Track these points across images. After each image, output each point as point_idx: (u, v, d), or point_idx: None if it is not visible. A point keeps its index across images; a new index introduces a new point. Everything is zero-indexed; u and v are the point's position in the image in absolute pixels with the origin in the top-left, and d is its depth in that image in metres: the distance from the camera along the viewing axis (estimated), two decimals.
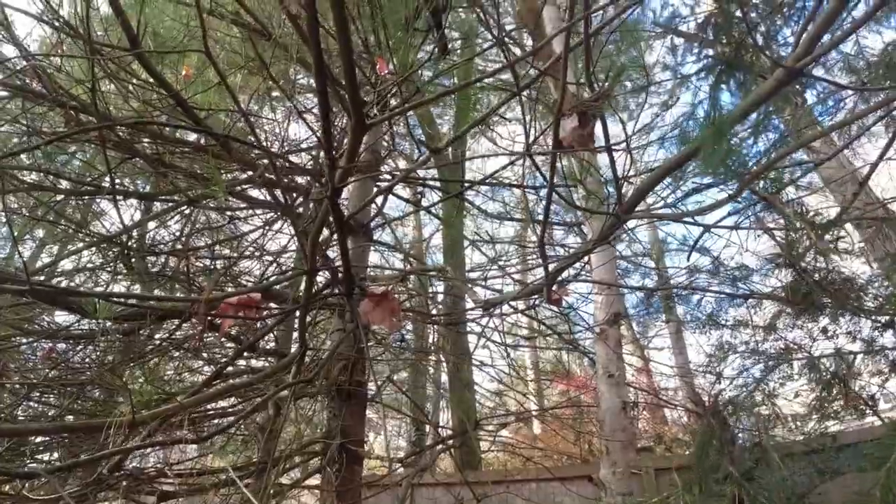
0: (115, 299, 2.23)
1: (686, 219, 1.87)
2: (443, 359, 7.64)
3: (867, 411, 3.82)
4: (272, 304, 2.99)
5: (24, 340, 3.66)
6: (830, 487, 3.59)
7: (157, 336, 3.52)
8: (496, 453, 10.02)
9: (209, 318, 2.20)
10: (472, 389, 7.87)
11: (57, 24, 2.60)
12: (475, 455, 7.09)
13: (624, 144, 1.86)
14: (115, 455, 1.88)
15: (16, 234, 3.57)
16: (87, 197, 4.08)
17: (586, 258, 4.31)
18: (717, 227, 1.84)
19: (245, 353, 3.65)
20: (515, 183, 6.36)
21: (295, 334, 4.70)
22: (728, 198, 1.75)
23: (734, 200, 1.78)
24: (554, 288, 2.23)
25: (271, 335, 4.72)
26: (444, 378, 8.57)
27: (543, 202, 1.81)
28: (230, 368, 3.18)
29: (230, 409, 3.62)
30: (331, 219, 2.11)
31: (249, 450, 4.10)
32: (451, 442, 4.05)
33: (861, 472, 3.68)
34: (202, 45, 1.91)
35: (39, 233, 4.84)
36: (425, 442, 7.48)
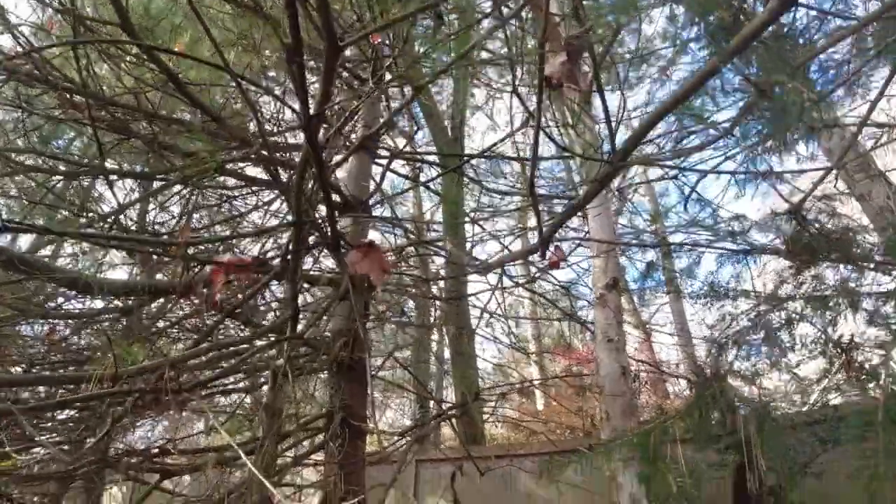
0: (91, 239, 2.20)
1: (683, 165, 1.82)
2: (445, 334, 7.67)
3: (869, 383, 3.81)
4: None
5: (24, 321, 3.66)
6: (833, 458, 3.61)
7: (156, 313, 3.51)
8: (500, 429, 10.11)
9: (207, 295, 2.19)
10: (474, 364, 7.91)
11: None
12: (478, 429, 7.15)
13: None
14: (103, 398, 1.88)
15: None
16: (83, 178, 4.06)
17: (585, 225, 4.27)
18: (717, 172, 1.79)
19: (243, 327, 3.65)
20: (513, 156, 6.31)
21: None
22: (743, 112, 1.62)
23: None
24: (550, 250, 2.19)
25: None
26: (447, 354, 8.61)
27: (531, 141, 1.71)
28: (226, 340, 3.18)
29: (229, 384, 3.64)
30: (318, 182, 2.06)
31: (252, 429, 4.13)
32: (451, 412, 4.06)
33: (858, 443, 3.71)
34: (194, 22, 1.86)
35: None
36: (428, 416, 7.54)
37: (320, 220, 2.55)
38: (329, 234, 2.40)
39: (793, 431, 3.60)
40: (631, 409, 3.86)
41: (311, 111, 1.68)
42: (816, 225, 3.00)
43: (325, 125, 4.95)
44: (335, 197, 3.90)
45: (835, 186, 3.20)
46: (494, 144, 4.50)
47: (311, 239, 2.88)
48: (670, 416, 3.20)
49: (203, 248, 3.46)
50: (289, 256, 2.35)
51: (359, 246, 2.31)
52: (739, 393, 4.23)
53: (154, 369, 1.96)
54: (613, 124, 1.56)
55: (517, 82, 1.76)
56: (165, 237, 3.48)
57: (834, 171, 2.91)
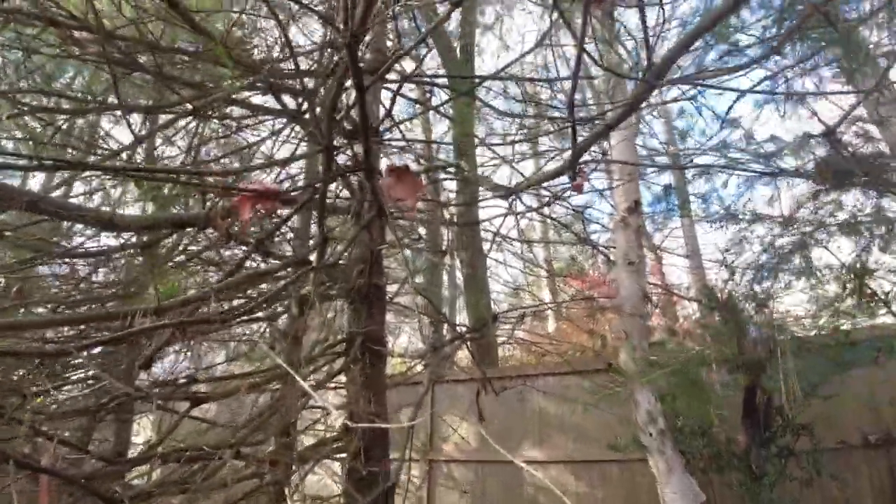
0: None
1: (721, 83, 1.74)
2: (458, 259, 7.74)
3: (880, 309, 3.83)
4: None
5: (45, 262, 3.72)
6: (841, 381, 3.69)
7: (172, 247, 3.55)
8: (512, 350, 10.38)
9: (227, 225, 2.20)
10: (487, 289, 8.02)
11: None
12: (493, 350, 7.34)
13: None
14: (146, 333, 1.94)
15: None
16: (90, 116, 4.00)
17: (606, 146, 4.19)
18: (758, 92, 1.72)
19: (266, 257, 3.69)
20: (529, 77, 6.12)
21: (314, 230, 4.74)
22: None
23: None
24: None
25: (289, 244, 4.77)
26: (460, 278, 8.71)
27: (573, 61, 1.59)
28: (256, 270, 3.24)
29: (255, 309, 3.72)
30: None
31: (275, 356, 4.26)
32: (469, 335, 4.15)
33: (873, 366, 3.77)
34: None
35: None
36: (445, 339, 7.74)
37: (351, 146, 2.51)
38: (363, 160, 2.37)
39: (805, 354, 3.67)
40: (648, 329, 3.92)
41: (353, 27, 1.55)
42: (849, 149, 2.92)
43: (332, 48, 4.80)
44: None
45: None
46: (508, 65, 4.36)
47: (342, 165, 2.85)
48: (706, 347, 3.26)
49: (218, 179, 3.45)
50: (318, 184, 2.34)
51: (393, 170, 2.29)
52: (751, 317, 4.29)
53: (197, 300, 2.00)
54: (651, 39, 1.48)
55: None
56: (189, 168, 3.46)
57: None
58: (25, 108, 3.32)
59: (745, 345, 3.82)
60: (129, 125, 2.69)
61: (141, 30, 2.95)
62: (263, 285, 3.65)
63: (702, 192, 3.96)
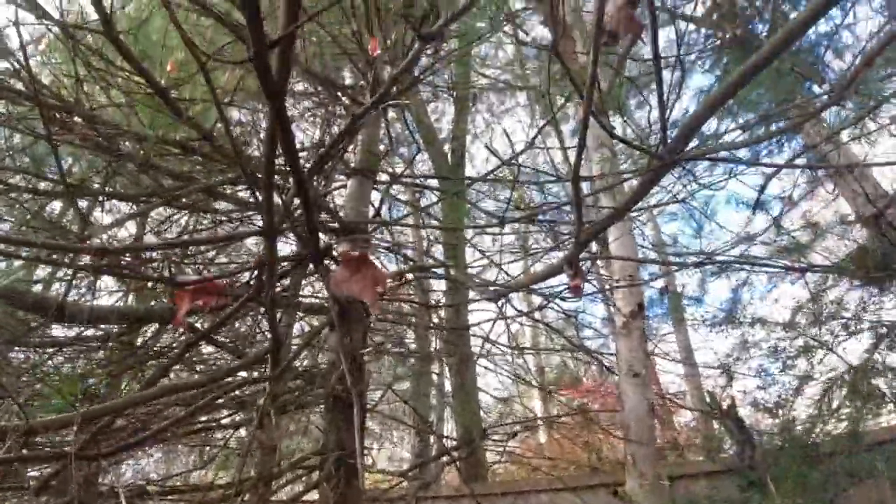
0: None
1: (746, 156, 1.59)
2: (446, 365, 7.44)
3: (884, 409, 3.63)
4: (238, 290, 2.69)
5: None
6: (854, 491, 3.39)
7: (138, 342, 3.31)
8: (503, 464, 9.78)
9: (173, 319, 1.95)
10: (476, 397, 7.65)
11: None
12: (482, 466, 6.86)
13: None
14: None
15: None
16: (71, 199, 3.89)
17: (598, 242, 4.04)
18: (793, 167, 1.59)
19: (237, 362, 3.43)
20: (520, 179, 6.17)
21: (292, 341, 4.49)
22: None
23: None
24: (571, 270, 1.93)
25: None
26: (448, 386, 8.35)
27: (579, 126, 1.37)
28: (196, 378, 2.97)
29: (221, 418, 3.42)
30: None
31: (242, 466, 3.90)
32: (456, 454, 3.81)
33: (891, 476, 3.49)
34: (182, 38, 1.69)
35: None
36: (429, 453, 7.27)
37: (297, 227, 2.16)
38: (310, 243, 1.96)
39: (816, 463, 3.39)
40: (657, 452, 3.59)
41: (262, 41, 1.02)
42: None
43: (321, 147, 4.82)
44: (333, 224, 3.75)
45: None
46: (496, 168, 4.37)
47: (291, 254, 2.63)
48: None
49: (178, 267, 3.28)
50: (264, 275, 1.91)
51: (346, 260, 1.88)
52: (756, 426, 4.02)
53: (115, 413, 1.74)
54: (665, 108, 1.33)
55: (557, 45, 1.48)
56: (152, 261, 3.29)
57: None
58: (10, 187, 3.20)
59: (754, 458, 3.55)
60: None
61: (128, 117, 2.90)
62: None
63: (699, 294, 3.80)
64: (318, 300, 3.79)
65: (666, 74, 1.30)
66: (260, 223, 4.53)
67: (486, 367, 5.85)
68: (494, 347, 5.73)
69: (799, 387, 3.62)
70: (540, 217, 4.08)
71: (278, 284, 3.31)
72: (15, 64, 2.62)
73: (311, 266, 2.87)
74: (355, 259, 1.87)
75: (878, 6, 3.62)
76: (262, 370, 2.87)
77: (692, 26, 4.08)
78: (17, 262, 2.97)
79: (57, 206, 4.28)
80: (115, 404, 1.77)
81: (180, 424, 2.16)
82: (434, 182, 5.94)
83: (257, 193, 2.58)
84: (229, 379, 2.48)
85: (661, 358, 9.70)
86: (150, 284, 3.27)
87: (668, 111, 1.28)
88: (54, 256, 2.67)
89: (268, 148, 1.28)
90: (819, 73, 3.70)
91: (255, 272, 1.97)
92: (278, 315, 3.85)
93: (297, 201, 1.84)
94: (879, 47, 1.56)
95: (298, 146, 4.56)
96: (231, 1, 2.85)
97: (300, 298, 3.41)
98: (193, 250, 3.68)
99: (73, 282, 2.95)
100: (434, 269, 4.39)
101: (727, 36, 3.80)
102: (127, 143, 3.15)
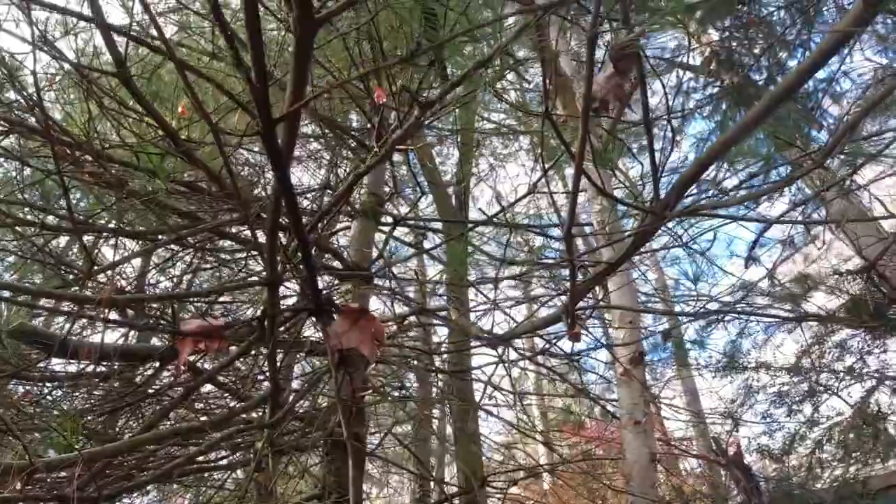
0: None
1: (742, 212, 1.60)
2: (447, 409, 7.34)
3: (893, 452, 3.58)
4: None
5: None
6: None
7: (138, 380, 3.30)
8: None
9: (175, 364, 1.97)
10: (478, 442, 7.52)
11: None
12: None
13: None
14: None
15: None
16: (75, 235, 3.95)
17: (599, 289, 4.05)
18: (786, 222, 1.62)
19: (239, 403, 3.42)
20: (522, 224, 6.23)
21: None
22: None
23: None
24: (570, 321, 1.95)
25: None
26: (449, 430, 8.21)
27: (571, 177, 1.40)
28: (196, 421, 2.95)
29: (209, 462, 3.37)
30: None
31: None
32: (456, 500, 3.74)
33: None
34: (193, 85, 1.76)
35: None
36: (430, 500, 7.10)
37: (299, 279, 2.21)
38: (311, 295, 1.99)
39: None
40: (661, 501, 3.51)
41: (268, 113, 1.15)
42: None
43: (329, 189, 4.90)
44: (336, 264, 3.78)
45: None
46: (500, 212, 4.42)
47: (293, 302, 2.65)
48: None
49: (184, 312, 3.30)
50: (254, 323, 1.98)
51: (346, 312, 1.89)
52: (762, 472, 3.95)
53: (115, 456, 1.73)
54: (655, 167, 1.37)
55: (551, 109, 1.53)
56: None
57: None
58: (17, 221, 3.25)
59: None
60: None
61: (137, 156, 2.97)
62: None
63: (702, 340, 3.78)
64: (319, 341, 3.79)
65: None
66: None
67: (488, 412, 5.77)
68: (497, 391, 5.67)
69: (805, 432, 3.57)
70: (539, 261, 4.11)
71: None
72: (28, 101, 2.70)
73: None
74: (355, 311, 1.89)
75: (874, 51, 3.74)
76: (262, 414, 2.86)
77: (689, 74, 4.20)
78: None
79: (63, 239, 4.35)
80: (117, 446, 1.76)
81: (180, 467, 2.14)
82: (438, 224, 6.00)
83: (259, 235, 2.63)
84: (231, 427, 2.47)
85: (665, 404, 9.58)
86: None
87: (661, 169, 1.32)
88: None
89: (273, 210, 1.34)
90: (816, 119, 3.78)
91: (258, 321, 1.99)
92: (279, 357, 3.84)
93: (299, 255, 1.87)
94: (856, 119, 1.61)
95: (304, 188, 4.64)
96: (247, 81, 2.95)
97: (301, 339, 3.41)
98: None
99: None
100: (437, 313, 4.41)
101: (724, 83, 3.89)
102: (136, 180, 3.22)
